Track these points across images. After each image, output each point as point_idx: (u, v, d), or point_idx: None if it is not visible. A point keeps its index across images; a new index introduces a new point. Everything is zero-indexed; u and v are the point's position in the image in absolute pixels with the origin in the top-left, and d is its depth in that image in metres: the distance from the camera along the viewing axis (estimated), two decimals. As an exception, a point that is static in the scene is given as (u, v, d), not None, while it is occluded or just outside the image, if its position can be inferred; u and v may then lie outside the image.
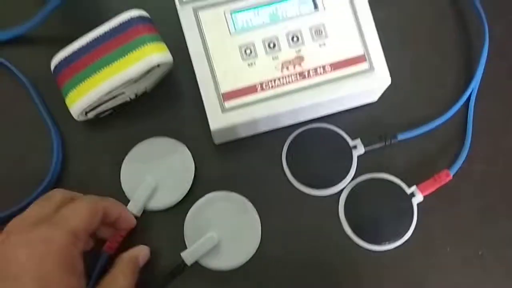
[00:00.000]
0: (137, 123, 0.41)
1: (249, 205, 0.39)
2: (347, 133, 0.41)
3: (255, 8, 0.38)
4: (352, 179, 0.40)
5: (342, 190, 0.40)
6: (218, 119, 0.36)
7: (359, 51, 0.38)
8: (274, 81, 0.37)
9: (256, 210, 0.39)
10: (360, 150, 0.40)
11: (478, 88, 0.43)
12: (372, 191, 0.39)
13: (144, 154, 0.40)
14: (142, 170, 0.40)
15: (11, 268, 0.29)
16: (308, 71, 0.37)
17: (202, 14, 0.37)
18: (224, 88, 0.37)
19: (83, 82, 0.37)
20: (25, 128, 0.41)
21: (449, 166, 0.40)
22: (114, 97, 0.39)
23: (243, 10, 0.38)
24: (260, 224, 0.39)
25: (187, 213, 0.39)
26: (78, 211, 0.32)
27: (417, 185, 0.39)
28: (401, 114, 0.42)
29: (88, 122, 0.41)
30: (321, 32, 0.38)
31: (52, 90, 0.40)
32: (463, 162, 0.40)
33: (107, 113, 0.41)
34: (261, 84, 0.37)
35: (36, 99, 0.41)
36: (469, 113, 0.42)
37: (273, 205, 0.40)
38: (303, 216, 0.40)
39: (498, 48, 0.44)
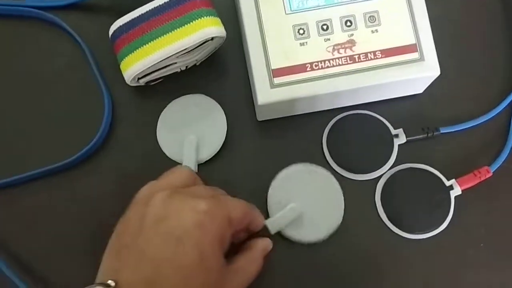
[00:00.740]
0: (183, 93, 0.42)
1: (334, 181, 0.40)
2: (389, 122, 0.41)
3: (311, -10, 0.39)
4: (391, 167, 0.40)
5: (380, 177, 0.40)
6: (266, 94, 0.37)
7: (410, 40, 0.38)
8: (324, 62, 0.38)
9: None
10: (401, 139, 0.41)
11: (525, 90, 0.43)
12: (411, 180, 0.40)
13: (175, 114, 0.42)
14: (177, 128, 0.41)
15: (175, 229, 0.29)
16: (359, 56, 0.38)
17: (260, -8, 0.38)
18: (275, 64, 0.38)
19: (139, 48, 0.38)
20: (78, 89, 0.43)
21: (489, 163, 0.40)
22: (166, 66, 0.40)
23: (300, -9, 0.38)
24: (343, 201, 0.39)
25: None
26: (238, 206, 0.33)
27: (456, 178, 0.39)
28: (445, 108, 0.42)
29: (137, 88, 0.42)
30: (375, 18, 0.38)
31: (105, 55, 0.42)
32: (504, 160, 0.40)
33: (157, 81, 0.42)
34: (311, 64, 0.38)
35: (92, 62, 0.42)
36: (513, 113, 0.42)
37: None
38: (340, 199, 0.40)
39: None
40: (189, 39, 0.38)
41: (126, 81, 0.40)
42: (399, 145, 0.41)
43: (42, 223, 0.40)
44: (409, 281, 0.39)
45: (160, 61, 0.38)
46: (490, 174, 0.39)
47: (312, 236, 0.39)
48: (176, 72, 0.42)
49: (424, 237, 0.39)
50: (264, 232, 0.37)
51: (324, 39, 0.38)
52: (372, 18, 0.38)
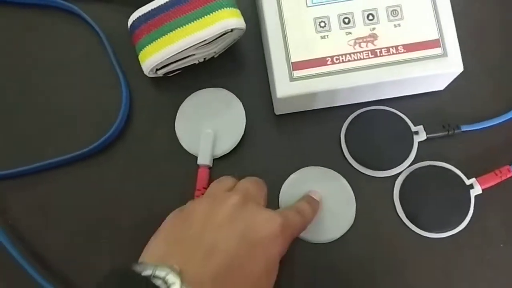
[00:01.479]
0: (200, 85, 0.42)
1: (344, 181, 0.40)
2: (409, 118, 0.41)
3: (333, -17, 0.38)
4: (411, 164, 0.40)
5: (399, 174, 0.40)
6: (286, 88, 0.37)
7: (434, 35, 0.37)
8: (345, 56, 0.37)
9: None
10: (421, 136, 0.40)
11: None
12: (430, 178, 0.39)
13: (194, 107, 0.41)
14: (196, 121, 0.41)
15: (250, 233, 0.30)
16: (381, 50, 0.37)
17: (281, -16, 0.38)
18: (295, 57, 0.37)
19: (158, 39, 0.38)
20: (96, 80, 0.43)
21: (511, 163, 0.39)
22: (184, 58, 0.40)
23: (322, -16, 0.38)
24: (355, 201, 0.39)
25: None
26: (299, 220, 0.34)
27: (476, 177, 0.39)
28: (466, 106, 0.42)
29: (155, 80, 0.42)
30: (397, 13, 0.38)
31: (123, 46, 0.42)
32: (527, 160, 0.39)
33: (175, 73, 0.42)
34: (332, 58, 0.37)
35: (110, 52, 0.42)
36: (536, 113, 0.41)
37: (328, 181, 0.40)
38: (358, 196, 0.39)
39: None
40: (208, 31, 0.37)
41: (144, 72, 0.39)
42: (419, 142, 0.40)
43: (57, 213, 0.40)
44: (427, 280, 0.38)
45: (179, 52, 0.38)
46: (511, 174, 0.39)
47: (322, 237, 0.38)
48: (194, 64, 0.42)
49: (443, 236, 0.38)
50: None
51: (346, 33, 0.37)
52: (394, 12, 0.38)
